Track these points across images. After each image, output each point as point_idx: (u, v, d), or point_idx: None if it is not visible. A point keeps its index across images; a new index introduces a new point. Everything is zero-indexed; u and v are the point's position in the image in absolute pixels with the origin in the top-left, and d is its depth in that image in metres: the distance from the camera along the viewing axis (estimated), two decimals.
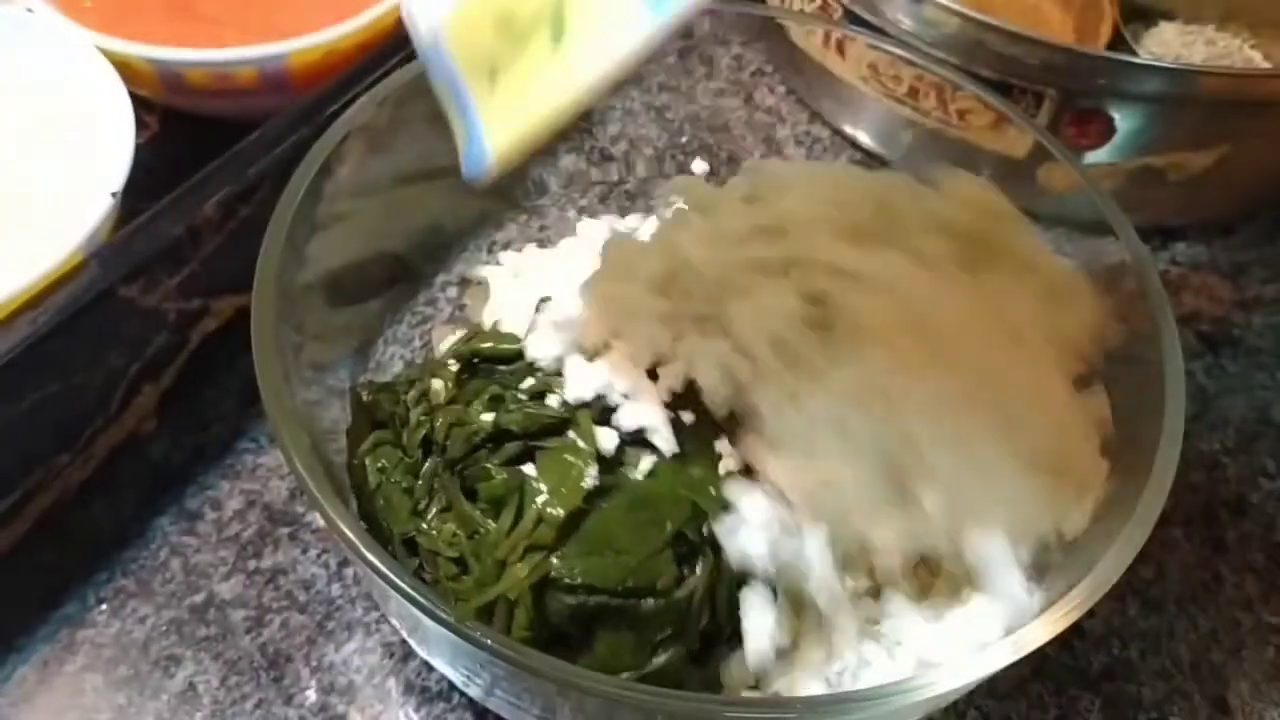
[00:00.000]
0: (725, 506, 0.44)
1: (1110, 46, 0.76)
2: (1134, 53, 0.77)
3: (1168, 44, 0.80)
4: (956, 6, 0.67)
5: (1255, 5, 0.80)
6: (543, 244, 0.66)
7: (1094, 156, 0.70)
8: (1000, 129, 0.66)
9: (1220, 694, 0.56)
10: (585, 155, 0.73)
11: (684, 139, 0.75)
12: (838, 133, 0.78)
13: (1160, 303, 0.50)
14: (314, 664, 0.53)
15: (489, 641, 0.38)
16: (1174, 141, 0.69)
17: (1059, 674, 0.56)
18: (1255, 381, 0.70)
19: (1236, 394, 0.69)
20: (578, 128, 0.73)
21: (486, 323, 0.55)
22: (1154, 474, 0.44)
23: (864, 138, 0.77)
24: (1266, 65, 0.79)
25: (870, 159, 0.76)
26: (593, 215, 0.69)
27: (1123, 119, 0.68)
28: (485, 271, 0.62)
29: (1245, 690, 0.56)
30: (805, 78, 0.78)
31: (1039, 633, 0.41)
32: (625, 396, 0.44)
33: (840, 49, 0.73)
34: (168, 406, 0.59)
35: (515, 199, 0.69)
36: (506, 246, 0.66)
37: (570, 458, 0.43)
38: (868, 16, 0.72)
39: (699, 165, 0.70)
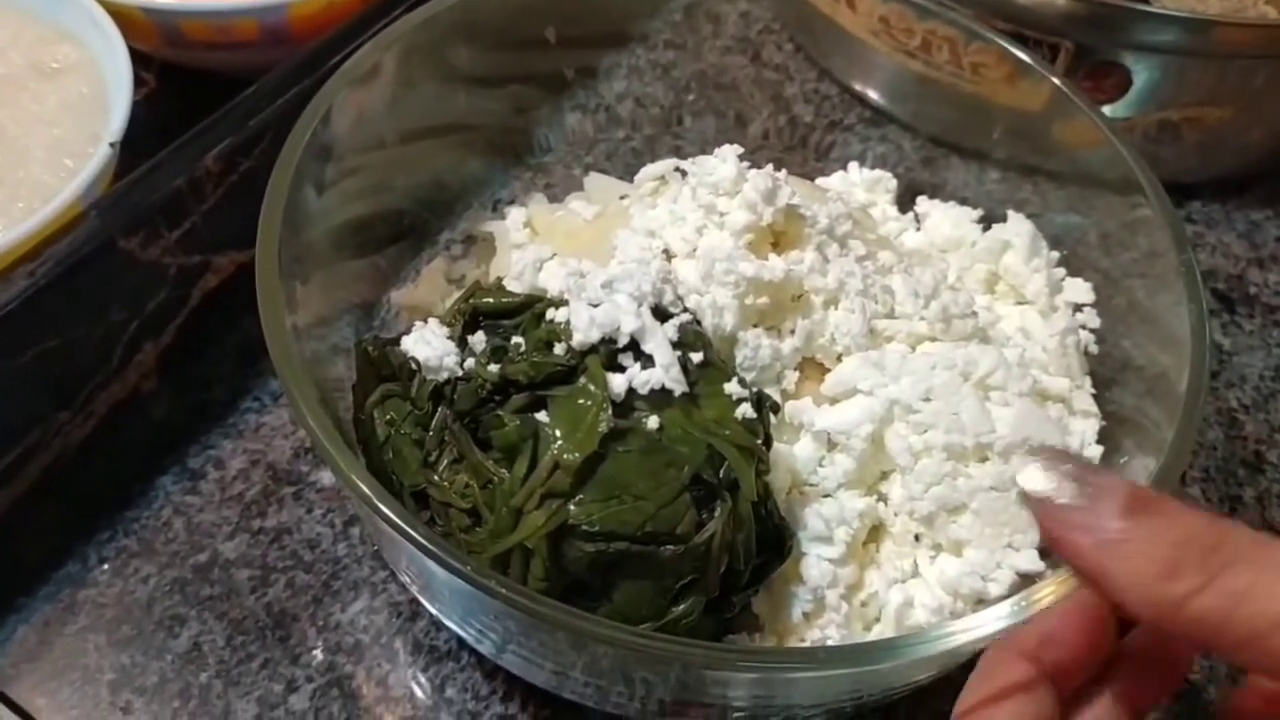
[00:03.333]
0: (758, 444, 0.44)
1: None
2: (1148, 4, 0.75)
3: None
4: None
5: None
6: (549, 200, 0.65)
7: (1110, 111, 0.69)
8: (1015, 83, 0.64)
9: None
10: (590, 113, 0.72)
11: (690, 97, 0.74)
12: (846, 89, 0.76)
13: (1189, 264, 0.49)
14: (320, 623, 0.53)
15: (505, 591, 0.37)
16: (1190, 95, 0.68)
17: None
18: (1272, 339, 0.69)
19: (1254, 351, 0.68)
20: (583, 84, 0.72)
21: (492, 276, 0.54)
22: (1174, 439, 0.44)
23: (874, 94, 0.75)
24: None
25: (880, 116, 0.75)
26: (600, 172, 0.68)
27: (1140, 72, 0.67)
28: (492, 227, 0.61)
29: None
30: (814, 33, 0.76)
31: (1054, 589, 0.40)
32: (632, 338, 0.43)
33: (850, 2, 0.71)
34: (169, 364, 0.58)
35: (520, 156, 0.68)
36: (511, 204, 0.65)
37: (583, 402, 0.42)
38: None
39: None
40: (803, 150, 0.73)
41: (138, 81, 0.58)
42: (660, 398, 0.43)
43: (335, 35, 0.60)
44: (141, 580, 0.53)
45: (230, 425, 0.59)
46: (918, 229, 0.62)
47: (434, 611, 0.50)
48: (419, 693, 0.51)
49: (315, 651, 0.52)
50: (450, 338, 0.47)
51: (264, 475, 0.57)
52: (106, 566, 0.53)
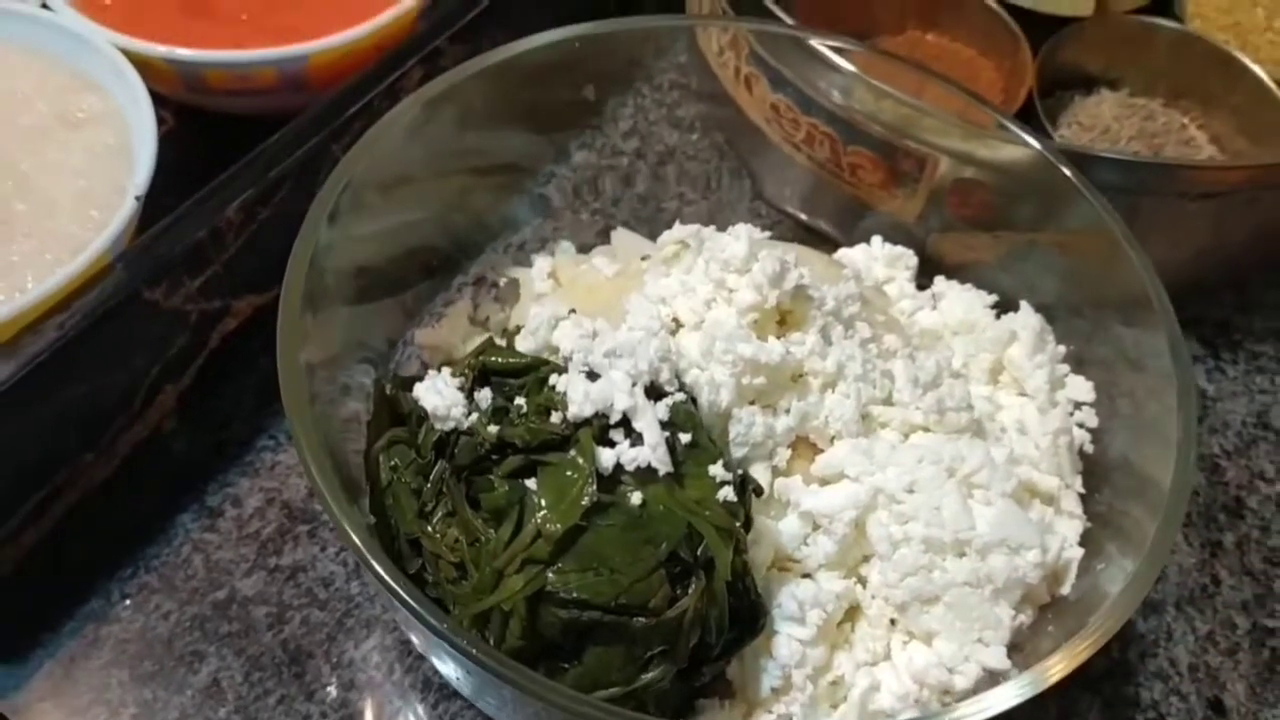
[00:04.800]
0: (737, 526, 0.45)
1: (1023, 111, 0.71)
2: (1040, 121, 0.71)
3: (1100, 115, 0.77)
4: (846, 65, 0.63)
5: (1209, 85, 0.76)
6: (550, 250, 0.67)
7: None
8: (890, 190, 0.64)
9: (1216, 695, 0.58)
10: (597, 152, 0.74)
11: (694, 136, 0.76)
12: (744, 164, 0.75)
13: (1184, 374, 0.50)
14: (334, 660, 0.55)
15: (474, 650, 0.39)
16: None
17: None
18: (1255, 385, 0.71)
19: (1236, 397, 0.70)
20: (589, 125, 0.74)
21: (514, 322, 0.56)
22: (1154, 540, 0.45)
23: (766, 181, 0.74)
24: (1210, 148, 0.75)
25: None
26: (606, 217, 0.69)
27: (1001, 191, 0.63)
28: (518, 273, 0.63)
29: (1241, 691, 0.58)
30: (720, 108, 0.74)
31: (1061, 665, 0.43)
32: (624, 415, 0.45)
33: (749, 85, 0.70)
34: (188, 405, 0.60)
35: (532, 198, 0.69)
36: (521, 248, 0.67)
37: (571, 474, 0.44)
38: (769, 58, 0.67)
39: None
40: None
41: (156, 120, 0.59)
42: (646, 474, 0.45)
43: (351, 86, 0.62)
44: (162, 616, 0.55)
45: (247, 464, 0.61)
46: (934, 308, 0.62)
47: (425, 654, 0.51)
48: None
49: (329, 688, 0.54)
50: (461, 389, 0.49)
51: (279, 513, 0.59)
52: (128, 602, 0.55)
